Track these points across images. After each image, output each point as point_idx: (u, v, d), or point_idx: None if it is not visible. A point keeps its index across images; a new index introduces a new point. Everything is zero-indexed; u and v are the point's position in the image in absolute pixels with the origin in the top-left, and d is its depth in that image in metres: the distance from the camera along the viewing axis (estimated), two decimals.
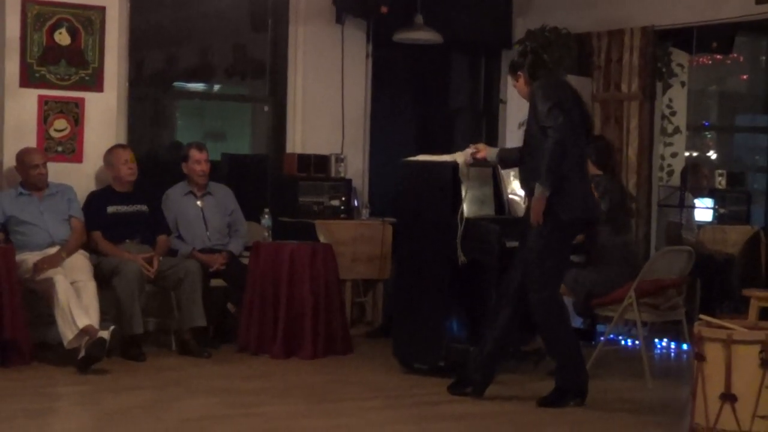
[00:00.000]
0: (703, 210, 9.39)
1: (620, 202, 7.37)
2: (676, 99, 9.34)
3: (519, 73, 6.03)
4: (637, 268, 6.76)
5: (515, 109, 8.96)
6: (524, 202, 6.23)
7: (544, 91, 5.80)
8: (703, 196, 9.29)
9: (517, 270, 5.88)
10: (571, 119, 5.75)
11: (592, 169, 6.79)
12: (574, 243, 6.17)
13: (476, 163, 6.48)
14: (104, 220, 7.22)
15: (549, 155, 5.66)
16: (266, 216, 7.49)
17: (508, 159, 6.28)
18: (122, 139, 7.70)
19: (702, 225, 9.25)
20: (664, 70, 8.76)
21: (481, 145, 6.45)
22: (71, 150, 7.44)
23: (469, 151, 6.41)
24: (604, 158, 7.43)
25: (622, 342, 7.91)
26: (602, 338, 6.95)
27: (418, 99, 9.67)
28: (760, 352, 4.79)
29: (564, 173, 5.71)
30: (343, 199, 8.30)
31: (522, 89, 6.04)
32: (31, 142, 7.24)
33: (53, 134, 7.36)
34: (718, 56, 9.99)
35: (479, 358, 6.00)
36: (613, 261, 7.05)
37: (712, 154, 11.62)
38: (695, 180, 9.17)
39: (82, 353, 6.43)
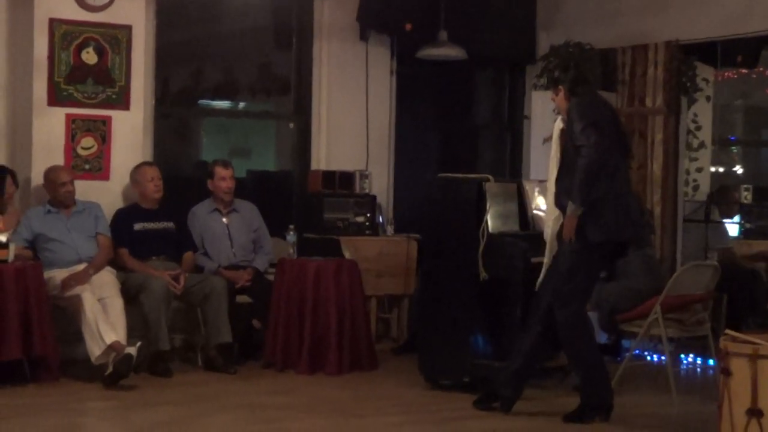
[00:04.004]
0: (730, 225, 9.34)
1: (640, 216, 7.32)
2: (701, 113, 9.29)
3: (559, 87, 6.02)
4: (661, 283, 6.74)
5: (539, 124, 8.97)
6: (549, 221, 6.18)
7: (579, 110, 5.79)
8: (732, 217, 9.19)
9: (548, 286, 5.88)
10: (606, 138, 5.74)
11: None
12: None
13: None
14: (131, 237, 7.28)
15: (581, 174, 5.65)
16: (291, 232, 7.51)
17: None
18: (148, 157, 7.76)
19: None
20: (688, 84, 8.73)
21: None
22: (98, 168, 7.50)
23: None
24: None
25: (648, 357, 7.87)
26: (627, 354, 6.93)
27: (443, 115, 9.69)
28: None
29: (597, 193, 5.71)
30: (368, 215, 8.31)
31: (561, 103, 6.01)
32: (59, 160, 7.31)
33: (80, 152, 7.43)
34: (744, 70, 9.95)
35: (508, 373, 6.00)
36: (636, 275, 7.04)
37: (738, 169, 11.57)
38: (726, 204, 9.10)
39: (110, 369, 6.47)
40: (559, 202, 5.90)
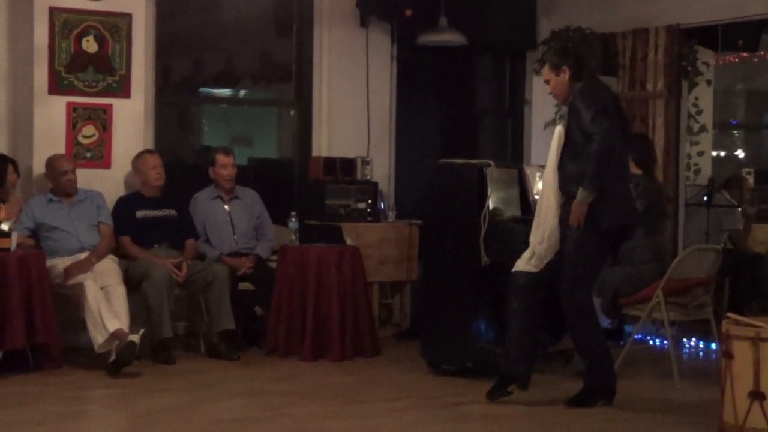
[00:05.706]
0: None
1: (657, 203, 7.31)
2: (702, 97, 9.29)
3: (564, 67, 5.88)
4: (664, 267, 6.73)
5: (540, 109, 8.99)
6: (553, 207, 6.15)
7: (586, 97, 5.74)
8: (744, 203, 9.14)
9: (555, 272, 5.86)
10: (614, 124, 5.72)
11: (633, 169, 6.58)
12: None
13: None
14: (133, 225, 7.29)
15: (595, 161, 5.62)
16: (293, 219, 7.52)
17: None
18: (150, 145, 7.76)
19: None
20: (689, 68, 8.73)
21: None
22: (100, 156, 7.51)
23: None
24: (645, 158, 7.31)
25: (650, 341, 7.89)
26: (630, 338, 6.93)
27: (443, 101, 9.69)
28: None
29: (608, 179, 5.69)
30: (370, 201, 8.32)
31: (560, 85, 5.89)
32: (60, 148, 7.31)
33: (82, 141, 7.43)
34: (745, 54, 9.94)
35: (514, 351, 5.90)
36: (641, 261, 7.03)
37: (740, 153, 11.57)
38: (739, 193, 9.07)
39: (113, 357, 6.48)
40: (565, 188, 5.86)
